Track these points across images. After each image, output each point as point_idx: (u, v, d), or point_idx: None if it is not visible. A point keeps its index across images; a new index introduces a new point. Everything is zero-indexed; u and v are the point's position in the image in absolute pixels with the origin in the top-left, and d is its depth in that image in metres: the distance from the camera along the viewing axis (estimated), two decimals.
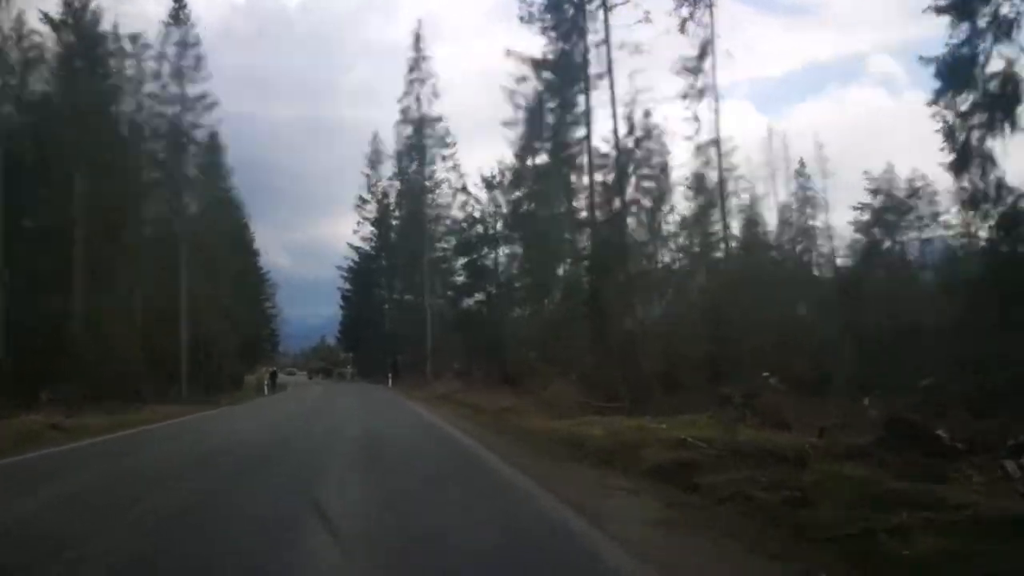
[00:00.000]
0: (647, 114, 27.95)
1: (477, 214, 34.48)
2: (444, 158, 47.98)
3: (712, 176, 29.78)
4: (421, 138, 48.04)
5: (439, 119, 47.65)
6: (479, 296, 30.16)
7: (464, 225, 35.56)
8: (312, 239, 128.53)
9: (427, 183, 48.59)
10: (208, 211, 53.20)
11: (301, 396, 37.36)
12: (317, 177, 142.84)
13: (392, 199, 56.92)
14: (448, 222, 48.94)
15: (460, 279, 43.91)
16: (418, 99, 47.75)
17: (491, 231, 32.98)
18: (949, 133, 17.72)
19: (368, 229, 60.52)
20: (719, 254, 31.15)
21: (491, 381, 34.35)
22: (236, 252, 54.92)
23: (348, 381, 71.16)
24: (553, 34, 29.09)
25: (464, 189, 41.19)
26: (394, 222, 58.05)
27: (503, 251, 34.33)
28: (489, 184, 34.50)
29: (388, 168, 56.82)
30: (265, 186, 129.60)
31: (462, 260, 40.56)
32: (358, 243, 60.30)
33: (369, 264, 60.34)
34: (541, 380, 30.32)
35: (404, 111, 48.48)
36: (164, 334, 38.77)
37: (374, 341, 60.42)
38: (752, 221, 36.30)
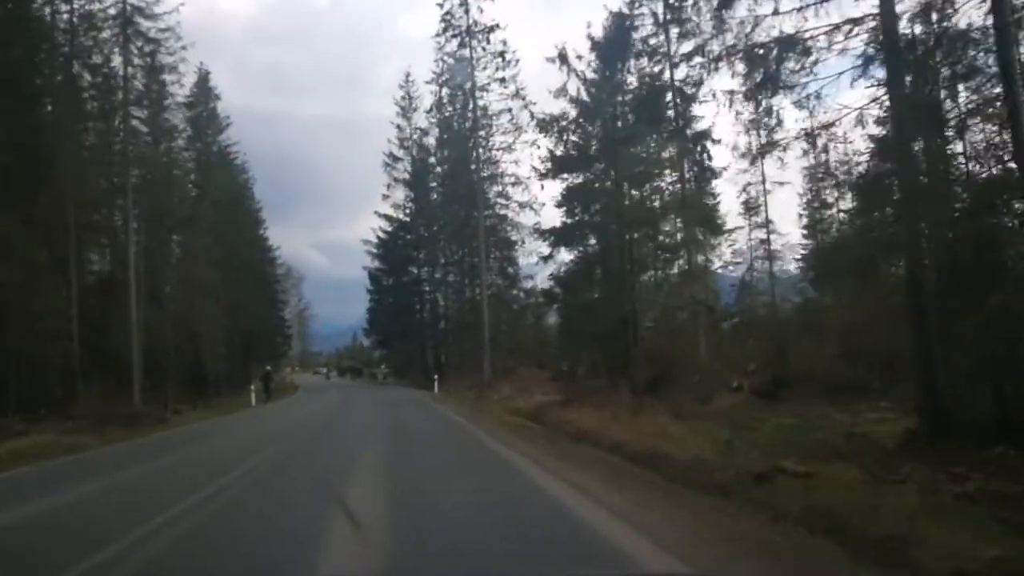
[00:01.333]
0: None
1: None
2: (503, 81, 35.00)
3: None
4: (470, 52, 35.16)
5: (494, 27, 34.70)
6: (591, 244, 17.08)
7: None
8: (347, 238, 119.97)
9: (480, 117, 35.67)
10: (201, 167, 42.61)
11: (297, 416, 22.99)
12: (353, 175, 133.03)
13: (432, 149, 44.14)
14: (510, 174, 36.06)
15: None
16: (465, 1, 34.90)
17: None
18: None
19: (401, 194, 47.80)
20: None
21: (597, 387, 21.52)
22: (235, 223, 43.20)
23: (380, 383, 58.75)
24: None
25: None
26: (434, 184, 45.34)
27: None
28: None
29: (423, 118, 44.26)
30: (299, 184, 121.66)
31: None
32: (388, 211, 47.61)
33: (403, 236, 47.56)
34: (703, 388, 17.26)
35: (446, 18, 35.65)
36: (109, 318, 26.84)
37: (410, 333, 47.72)
38: None
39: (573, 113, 16.82)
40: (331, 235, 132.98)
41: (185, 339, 31.21)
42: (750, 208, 37.45)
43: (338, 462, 10.49)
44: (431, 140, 43.85)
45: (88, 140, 27.25)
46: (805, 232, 42.12)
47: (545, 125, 16.97)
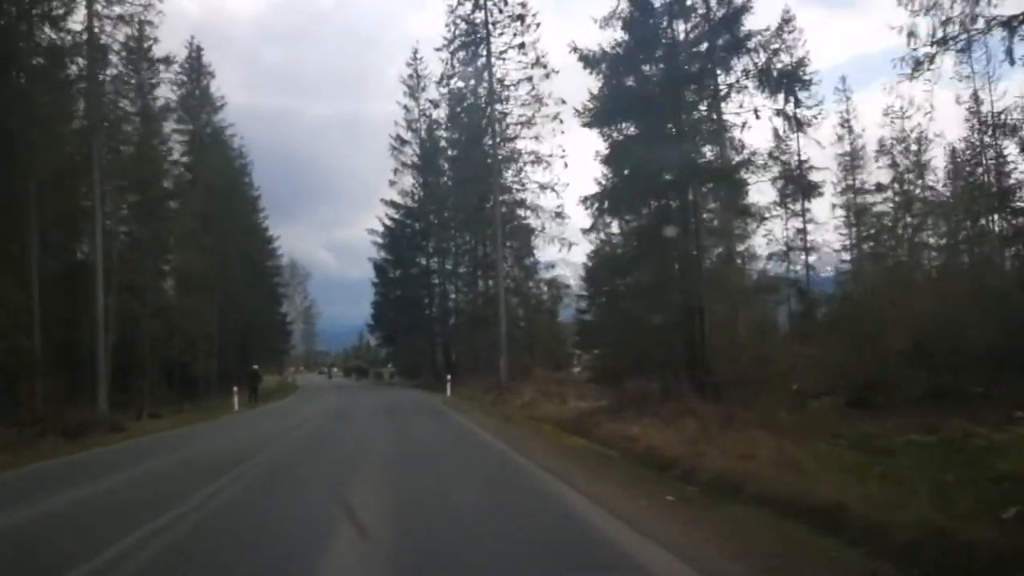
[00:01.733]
0: None
1: None
2: (522, 47, 31.35)
3: None
4: (485, 16, 31.53)
5: None
6: (643, 214, 13.29)
7: None
8: (356, 237, 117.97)
9: (496, 88, 32.04)
10: (193, 148, 39.24)
11: (278, 427, 17.70)
12: (363, 175, 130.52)
13: (443, 123, 40.48)
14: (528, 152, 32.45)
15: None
16: None
17: None
18: None
19: (409, 180, 44.15)
20: None
21: (648, 391, 17.98)
22: (229, 209, 39.79)
23: (386, 383, 55.27)
24: None
25: None
26: (445, 168, 41.72)
27: None
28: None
29: (432, 96, 40.60)
30: (308, 184, 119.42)
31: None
32: (396, 198, 43.94)
33: (410, 225, 43.90)
34: (788, 393, 13.61)
35: None
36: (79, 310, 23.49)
37: (418, 329, 44.11)
38: None
39: (623, 41, 13.16)
40: (340, 235, 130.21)
41: (168, 334, 27.76)
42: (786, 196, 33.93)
43: (305, 532, 6.02)
44: (441, 114, 40.19)
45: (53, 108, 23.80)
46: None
47: (591, 61, 13.34)
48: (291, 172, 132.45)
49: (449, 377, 28.91)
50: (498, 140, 32.19)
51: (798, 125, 14.00)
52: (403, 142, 43.84)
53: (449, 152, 40.69)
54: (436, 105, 39.63)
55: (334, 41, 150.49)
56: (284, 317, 57.98)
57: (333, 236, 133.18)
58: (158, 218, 28.28)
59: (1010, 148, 26.24)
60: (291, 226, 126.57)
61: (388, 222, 43.71)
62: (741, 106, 13.60)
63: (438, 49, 33.39)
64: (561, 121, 31.04)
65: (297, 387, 53.18)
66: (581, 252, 36.04)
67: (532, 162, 32.15)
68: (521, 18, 30.95)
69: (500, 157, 32.81)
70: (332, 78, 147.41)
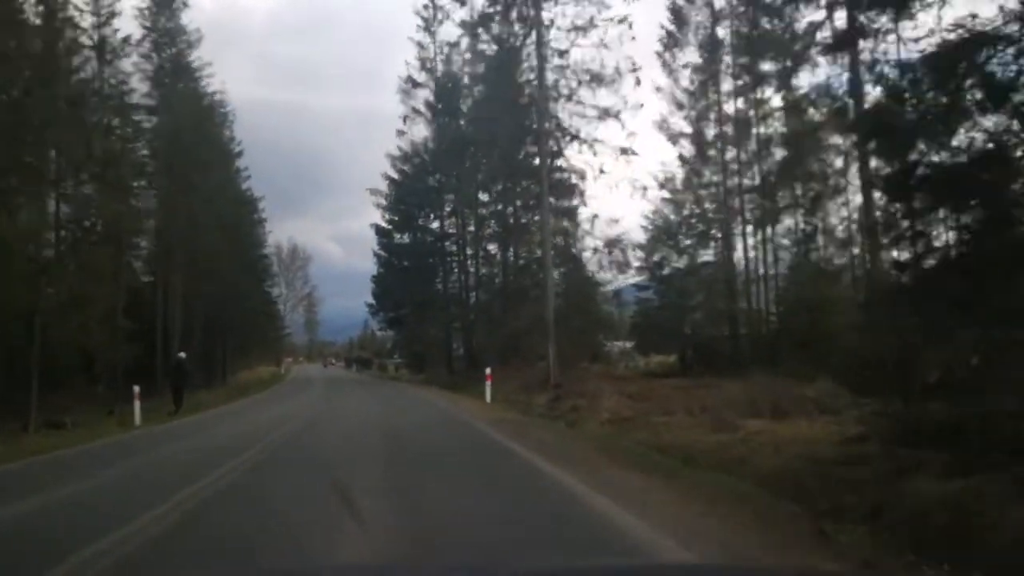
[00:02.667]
0: None
1: None
2: None
3: None
4: None
5: None
6: None
7: None
8: (363, 228, 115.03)
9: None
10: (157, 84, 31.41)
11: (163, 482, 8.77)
12: (372, 167, 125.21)
13: (463, 51, 31.95)
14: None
15: None
16: None
17: None
18: None
19: (420, 133, 35.80)
20: None
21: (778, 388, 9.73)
22: (198, 159, 31.89)
23: (391, 377, 47.07)
24: None
25: None
26: (466, 108, 33.33)
27: None
28: None
29: (452, 31, 32.21)
30: (317, 177, 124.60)
31: None
32: (407, 149, 35.46)
33: (422, 181, 35.40)
34: None
35: None
36: None
37: (429, 310, 35.60)
38: None
39: None
40: (347, 226, 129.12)
41: (77, 311, 19.52)
42: None
43: None
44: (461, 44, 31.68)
45: None
46: None
47: None
48: (301, 165, 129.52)
49: (489, 373, 19.69)
50: (546, 53, 23.74)
51: None
52: (415, 84, 35.57)
53: (475, 89, 32.26)
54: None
55: (347, 33, 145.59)
56: (270, 296, 49.60)
57: (341, 228, 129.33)
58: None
59: None
60: (299, 217, 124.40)
61: (395, 175, 35.19)
62: None
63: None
64: (631, 25, 22.80)
65: (286, 379, 45.15)
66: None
67: (588, 80, 23.68)
68: None
69: (547, 79, 24.31)
70: (344, 71, 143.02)
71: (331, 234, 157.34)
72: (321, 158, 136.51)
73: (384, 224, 35.71)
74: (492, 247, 31.49)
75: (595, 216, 24.85)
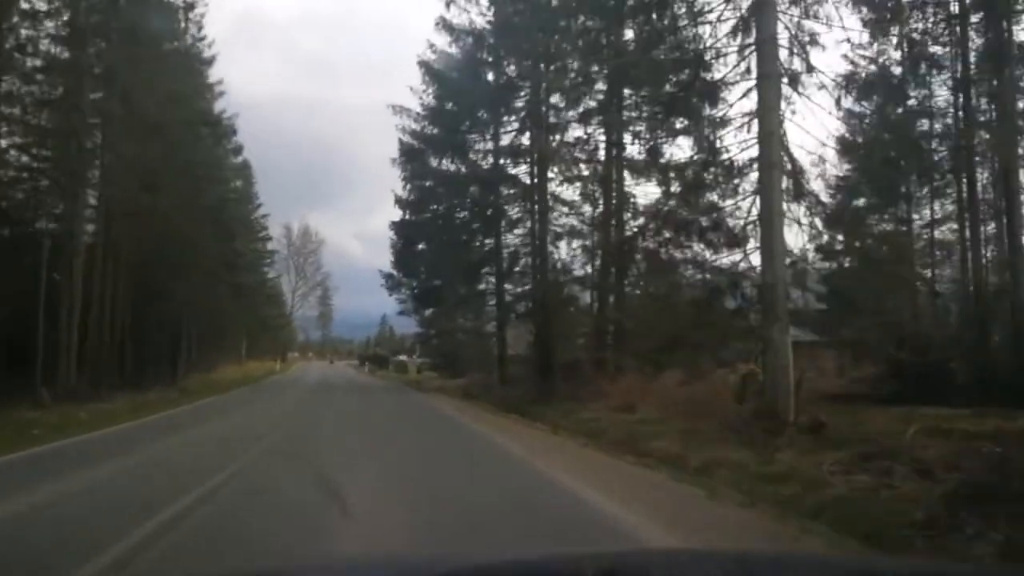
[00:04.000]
0: None
1: None
2: None
3: None
4: None
5: None
6: None
7: None
8: (385, 228, 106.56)
9: None
10: None
11: None
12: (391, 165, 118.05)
13: None
14: None
15: None
16: None
17: None
18: None
19: (454, 57, 23.63)
20: None
21: None
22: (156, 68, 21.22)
23: (412, 381, 35.71)
24: None
25: None
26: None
27: None
28: None
29: None
30: (341, 174, 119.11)
31: None
32: (444, 46, 23.44)
33: (455, 122, 23.75)
34: None
35: None
36: None
37: (473, 281, 23.52)
38: None
39: None
40: (370, 223, 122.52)
41: None
42: None
43: None
44: None
45: None
46: None
47: None
48: (322, 161, 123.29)
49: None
50: None
51: None
52: None
53: None
54: None
55: (370, 27, 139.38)
56: (264, 273, 38.34)
57: (364, 225, 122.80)
58: None
59: None
60: (320, 216, 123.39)
61: (419, 110, 22.61)
62: None
63: None
64: None
65: (264, 382, 34.24)
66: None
67: None
68: None
69: None
70: (365, 66, 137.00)
71: (352, 231, 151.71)
72: (343, 154, 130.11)
73: (413, 142, 22.85)
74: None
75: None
